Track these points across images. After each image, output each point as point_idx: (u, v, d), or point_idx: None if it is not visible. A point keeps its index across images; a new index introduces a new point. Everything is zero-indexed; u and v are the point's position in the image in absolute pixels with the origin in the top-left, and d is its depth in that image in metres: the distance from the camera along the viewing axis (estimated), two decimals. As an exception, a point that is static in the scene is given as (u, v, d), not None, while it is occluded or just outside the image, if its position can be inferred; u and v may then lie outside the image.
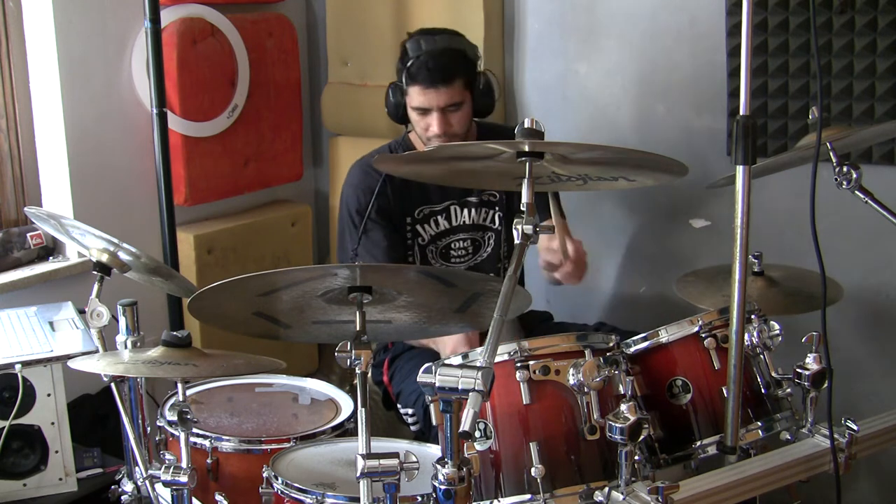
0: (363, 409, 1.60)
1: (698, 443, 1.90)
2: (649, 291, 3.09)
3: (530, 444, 1.73)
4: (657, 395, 1.94)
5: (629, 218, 3.12)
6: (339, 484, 1.83)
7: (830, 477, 1.86)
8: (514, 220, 1.64)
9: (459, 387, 1.41)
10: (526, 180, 1.65)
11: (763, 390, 1.95)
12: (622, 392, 1.72)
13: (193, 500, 1.80)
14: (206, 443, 2.05)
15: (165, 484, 1.73)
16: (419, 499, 1.72)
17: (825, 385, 1.88)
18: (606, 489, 1.67)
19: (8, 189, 2.89)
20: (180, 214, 3.02)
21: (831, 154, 2.04)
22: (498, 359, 1.73)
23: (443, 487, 1.46)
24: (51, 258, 2.91)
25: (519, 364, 1.76)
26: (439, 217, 2.66)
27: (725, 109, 2.80)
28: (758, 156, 1.77)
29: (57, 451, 2.28)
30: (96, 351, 2.01)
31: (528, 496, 1.72)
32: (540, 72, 3.17)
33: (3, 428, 2.20)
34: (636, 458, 1.65)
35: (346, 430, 2.15)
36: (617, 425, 1.61)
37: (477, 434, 1.76)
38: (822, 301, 1.83)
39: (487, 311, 1.69)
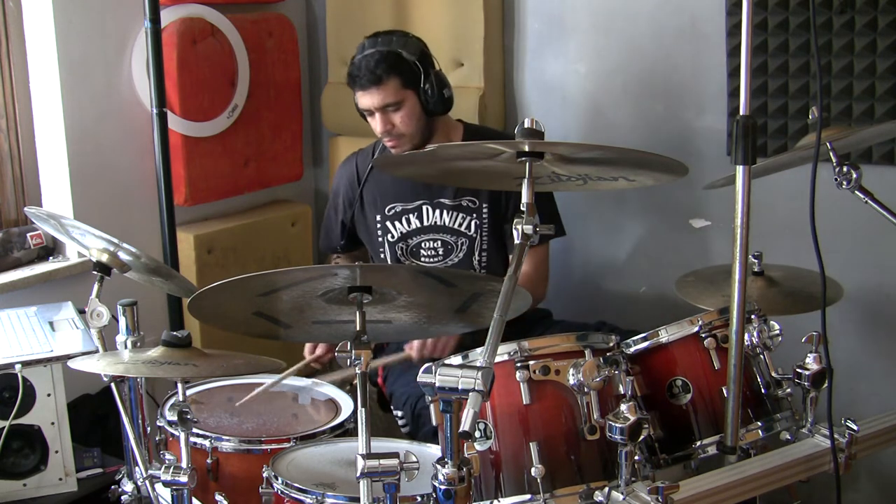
0: (363, 409, 1.60)
1: (698, 443, 1.90)
2: (649, 291, 3.09)
3: (530, 444, 1.73)
4: (657, 395, 1.94)
5: (629, 218, 3.12)
6: (339, 484, 1.83)
7: (830, 477, 1.86)
8: (514, 220, 1.64)
9: (459, 387, 1.41)
10: (526, 180, 1.65)
11: (763, 390, 1.95)
12: (622, 392, 1.72)
13: (193, 500, 1.80)
14: (206, 443, 2.05)
15: (165, 484, 1.73)
16: (419, 499, 1.72)
17: (825, 385, 1.87)
18: (606, 489, 1.67)
19: (8, 189, 2.90)
20: (180, 214, 3.02)
21: (831, 154, 2.04)
22: (498, 359, 1.73)
23: (443, 487, 1.46)
24: (51, 258, 2.91)
25: (519, 364, 1.76)
26: (411, 215, 2.67)
27: (725, 109, 2.80)
28: (758, 156, 1.77)
29: (57, 451, 2.28)
30: (96, 351, 2.01)
31: (528, 496, 1.72)
32: (540, 72, 3.17)
33: (3, 428, 2.20)
34: (636, 458, 1.65)
35: (346, 430, 2.15)
36: (617, 425, 1.61)
37: (477, 434, 1.76)
38: (822, 301, 1.82)
39: (487, 311, 1.69)
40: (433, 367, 1.45)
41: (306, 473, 1.90)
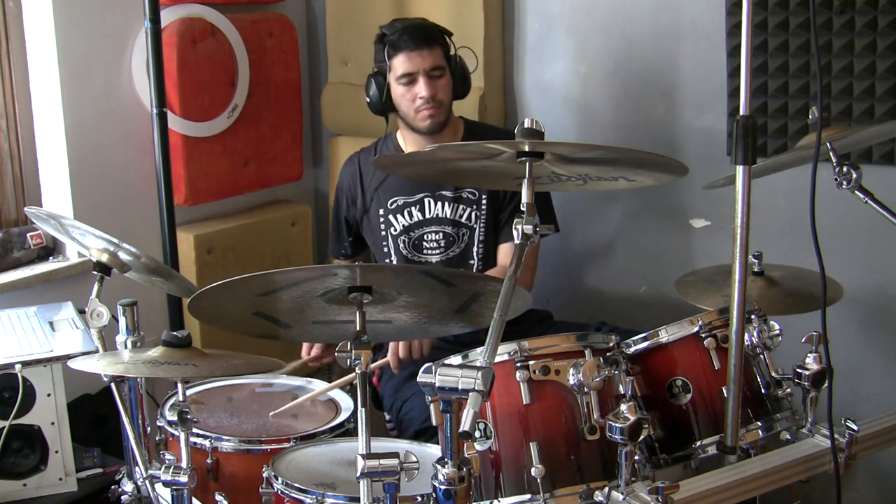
0: (363, 409, 1.60)
1: (698, 443, 1.91)
2: (649, 291, 3.09)
3: (530, 444, 1.73)
4: (657, 395, 1.94)
5: (629, 218, 3.12)
6: (339, 484, 1.83)
7: (830, 477, 1.86)
8: (514, 221, 1.64)
9: (459, 387, 1.41)
10: (526, 180, 1.65)
11: (763, 390, 1.95)
12: (622, 392, 1.72)
13: (193, 500, 1.80)
14: (206, 443, 2.05)
15: (165, 484, 1.73)
16: (419, 499, 1.72)
17: (825, 385, 1.87)
18: (606, 489, 1.67)
19: (8, 189, 2.89)
20: (180, 214, 3.02)
21: (831, 154, 2.04)
22: (498, 359, 1.73)
23: (443, 487, 1.46)
24: (51, 258, 2.91)
25: (519, 364, 1.76)
26: (413, 208, 2.68)
27: (725, 109, 2.80)
28: (758, 156, 1.77)
29: (57, 451, 2.28)
30: (96, 351, 2.01)
31: (528, 496, 1.72)
32: (540, 72, 3.17)
33: (3, 428, 2.20)
34: (636, 458, 1.65)
35: (346, 430, 2.15)
36: (617, 425, 1.61)
37: (477, 434, 1.76)
38: (822, 301, 1.82)
39: (487, 311, 1.69)
40: (433, 367, 1.45)
41: (306, 473, 1.90)
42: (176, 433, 1.90)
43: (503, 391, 1.75)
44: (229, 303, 1.83)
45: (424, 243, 2.71)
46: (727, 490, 1.73)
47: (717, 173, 2.32)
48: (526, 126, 1.64)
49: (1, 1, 2.79)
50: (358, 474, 1.53)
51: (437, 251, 2.71)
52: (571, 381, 1.75)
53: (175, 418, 1.75)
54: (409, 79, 2.56)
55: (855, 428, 1.86)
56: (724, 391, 1.84)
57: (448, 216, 2.69)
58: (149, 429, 2.15)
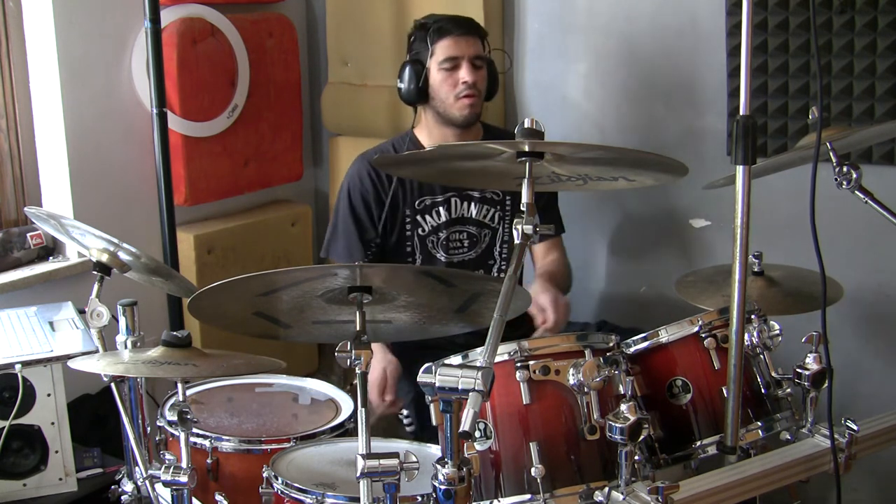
0: (363, 409, 1.60)
1: (698, 443, 1.90)
2: (649, 291, 3.09)
3: (530, 444, 1.73)
4: (657, 395, 1.94)
5: (629, 218, 3.12)
6: (339, 484, 1.83)
7: (830, 477, 1.86)
8: (514, 221, 1.64)
9: (459, 387, 1.41)
10: (526, 180, 1.65)
11: (763, 390, 1.95)
12: (622, 392, 1.72)
13: (193, 500, 1.80)
14: (206, 443, 2.05)
15: (165, 484, 1.73)
16: (419, 499, 1.72)
17: (825, 385, 1.87)
18: (606, 489, 1.67)
19: (8, 189, 2.89)
20: (180, 214, 3.02)
21: (831, 154, 2.04)
22: (498, 359, 1.73)
23: (443, 487, 1.46)
24: (51, 258, 2.91)
25: (519, 364, 1.76)
26: (441, 208, 2.67)
27: (725, 109, 2.80)
28: (758, 156, 1.77)
29: (57, 451, 2.28)
30: (96, 351, 2.01)
31: (528, 496, 1.72)
32: (540, 72, 3.17)
33: (3, 428, 2.20)
34: (636, 458, 1.65)
35: (346, 430, 2.15)
36: (617, 425, 1.61)
37: (477, 434, 1.76)
38: (822, 301, 1.82)
39: (487, 311, 1.69)
40: (433, 367, 1.45)
41: (306, 473, 1.90)
42: (176, 433, 1.90)
43: (503, 391, 1.75)
44: (229, 303, 1.83)
45: (450, 243, 2.71)
46: (727, 490, 1.73)
47: (717, 173, 2.32)
48: (526, 126, 1.64)
49: (1, 1, 2.79)
50: (358, 474, 1.53)
51: (461, 251, 2.72)
52: (571, 381, 1.75)
53: (175, 418, 1.75)
54: (453, 63, 2.56)
55: (855, 428, 1.86)
56: (724, 391, 1.84)
57: (473, 216, 2.70)
58: (149, 429, 2.14)
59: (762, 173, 2.25)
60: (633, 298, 3.12)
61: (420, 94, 2.62)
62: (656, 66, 2.95)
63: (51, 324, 2.42)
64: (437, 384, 1.42)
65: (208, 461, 2.04)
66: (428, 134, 2.70)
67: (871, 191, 2.04)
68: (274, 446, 2.04)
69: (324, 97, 3.51)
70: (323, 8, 3.48)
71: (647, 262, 3.09)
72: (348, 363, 1.64)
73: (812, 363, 1.87)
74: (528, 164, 1.65)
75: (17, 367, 2.20)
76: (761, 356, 1.96)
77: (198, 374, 1.90)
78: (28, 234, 2.85)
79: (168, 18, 2.94)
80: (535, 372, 1.75)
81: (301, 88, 3.49)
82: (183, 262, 3.03)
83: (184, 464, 1.74)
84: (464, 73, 2.56)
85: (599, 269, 3.19)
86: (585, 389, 1.74)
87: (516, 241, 1.63)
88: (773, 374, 1.95)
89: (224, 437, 2.07)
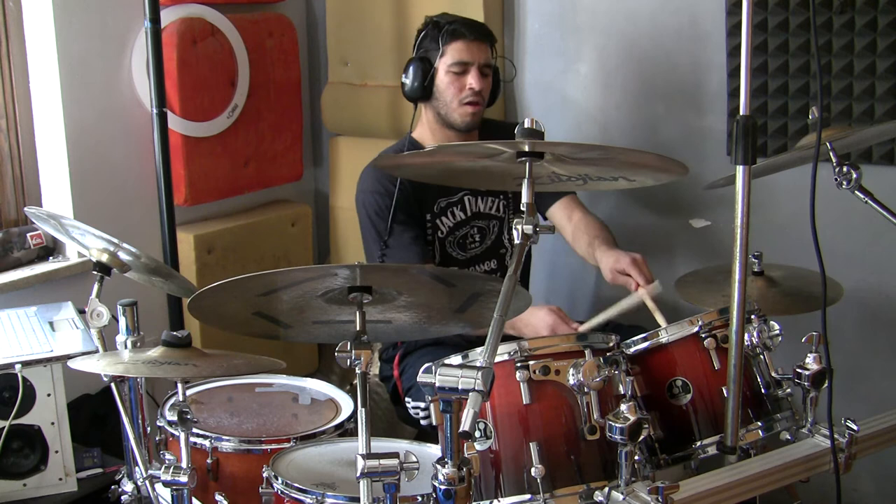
0: (363, 409, 1.60)
1: (698, 443, 1.90)
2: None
3: (530, 444, 1.73)
4: (657, 395, 1.94)
5: (629, 218, 3.12)
6: (339, 484, 1.83)
7: (830, 477, 1.86)
8: (514, 220, 1.64)
9: (459, 387, 1.41)
10: (526, 180, 1.65)
11: (763, 390, 1.95)
12: (622, 392, 1.72)
13: (193, 500, 1.80)
14: (206, 443, 2.05)
15: (165, 484, 1.73)
16: (419, 499, 1.72)
17: (825, 385, 1.87)
18: (606, 489, 1.67)
19: (8, 189, 2.90)
20: (180, 214, 3.02)
21: (831, 154, 2.04)
22: (498, 359, 1.73)
23: (443, 487, 1.46)
24: (51, 258, 2.91)
25: (519, 364, 1.76)
26: (455, 208, 2.68)
27: (725, 109, 2.80)
28: (758, 156, 1.77)
29: (57, 451, 2.28)
30: (96, 351, 2.01)
31: (528, 496, 1.72)
32: (540, 72, 3.17)
33: (3, 428, 2.20)
34: (636, 458, 1.65)
35: (346, 430, 2.15)
36: (617, 425, 1.61)
37: (477, 434, 1.76)
38: (823, 301, 1.82)
39: (487, 311, 1.69)
40: (433, 367, 1.45)
41: (306, 473, 1.90)
42: (176, 433, 1.90)
43: (503, 391, 1.75)
44: (229, 303, 1.83)
45: (467, 241, 2.72)
46: (727, 490, 1.73)
47: (717, 173, 2.32)
48: (526, 126, 1.64)
49: (1, 1, 2.79)
50: (358, 474, 1.53)
51: (475, 246, 2.73)
52: (571, 381, 1.75)
53: (175, 418, 1.75)
54: (462, 68, 2.56)
55: (855, 428, 1.86)
56: (724, 391, 1.84)
57: (483, 210, 2.72)
58: (149, 429, 2.15)
59: (762, 173, 2.25)
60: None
61: (424, 93, 2.61)
62: (656, 66, 2.95)
63: (51, 324, 2.42)
64: (437, 384, 1.42)
65: (208, 461, 2.04)
66: (429, 135, 2.69)
67: (871, 191, 2.04)
68: (274, 446, 2.04)
69: (324, 97, 3.51)
70: (323, 8, 3.48)
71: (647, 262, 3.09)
72: (348, 363, 1.64)
73: (812, 363, 1.87)
74: (528, 164, 1.65)
75: (17, 367, 2.20)
76: (761, 356, 1.96)
77: (198, 374, 1.90)
78: (28, 234, 2.85)
79: (168, 18, 2.94)
80: (535, 372, 1.75)
81: (301, 88, 3.49)
82: (183, 262, 3.03)
83: (184, 464, 1.74)
84: (472, 80, 2.56)
85: (599, 269, 3.18)
86: (585, 389, 1.74)
87: (516, 241, 1.63)
88: (773, 374, 1.95)
89: (224, 437, 2.07)
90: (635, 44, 2.97)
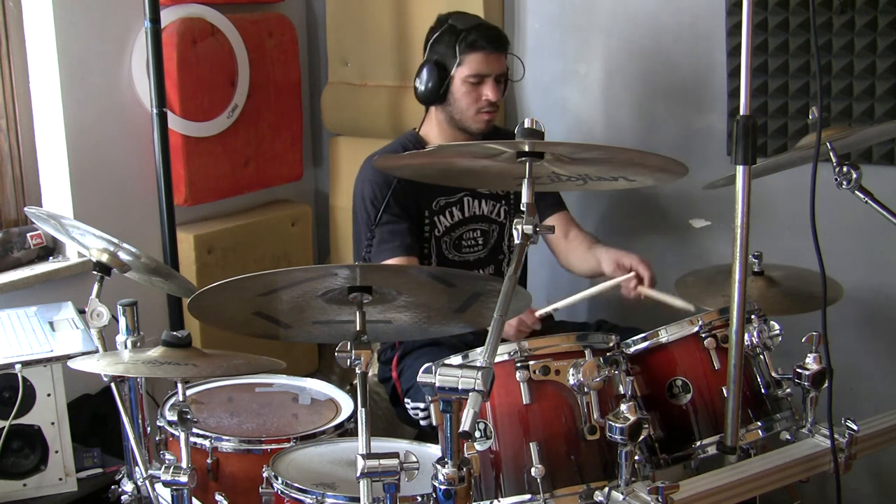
0: (363, 409, 1.60)
1: (698, 443, 1.91)
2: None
3: (530, 444, 1.73)
4: (657, 395, 1.94)
5: (629, 218, 3.12)
6: (339, 484, 1.83)
7: (830, 477, 1.86)
8: (514, 220, 1.64)
9: (459, 387, 1.41)
10: (526, 180, 1.65)
11: (763, 390, 1.95)
12: (622, 392, 1.72)
13: (193, 500, 1.80)
14: (206, 443, 2.05)
15: (165, 484, 1.73)
16: (419, 499, 1.72)
17: (825, 385, 1.87)
18: (606, 489, 1.67)
19: (8, 189, 2.90)
20: (180, 214, 3.02)
21: (831, 154, 2.04)
22: (498, 359, 1.73)
23: (443, 487, 1.46)
24: (51, 258, 2.91)
25: (519, 364, 1.76)
26: (454, 208, 2.68)
27: (725, 109, 2.80)
28: (758, 156, 1.77)
29: (57, 451, 2.28)
30: (96, 351, 2.01)
31: (528, 496, 1.72)
32: (540, 72, 3.17)
33: (3, 428, 2.20)
34: (636, 458, 1.65)
35: (346, 430, 2.15)
36: (617, 425, 1.61)
37: (477, 434, 1.76)
38: (823, 301, 1.82)
39: (487, 311, 1.69)
40: (433, 367, 1.45)
41: (306, 473, 1.90)
42: (176, 433, 1.90)
43: (503, 391, 1.76)
44: (229, 303, 1.83)
45: (463, 242, 2.71)
46: (727, 490, 1.73)
47: (717, 173, 2.32)
48: (526, 126, 1.64)
49: (1, 1, 2.79)
50: (358, 474, 1.53)
51: (475, 248, 2.73)
52: (571, 381, 1.75)
53: (175, 418, 1.75)
54: (479, 79, 2.55)
55: (855, 428, 1.86)
56: (724, 391, 1.84)
57: (484, 213, 2.72)
58: (149, 429, 2.15)
59: (762, 173, 2.25)
60: (633, 298, 3.11)
61: (438, 98, 2.60)
62: (656, 66, 2.95)
63: (51, 324, 2.42)
64: (437, 384, 1.42)
65: (208, 461, 2.04)
66: (436, 133, 2.68)
67: (871, 191, 2.04)
68: (274, 446, 2.04)
69: (324, 97, 3.51)
70: (323, 8, 3.48)
71: (647, 262, 3.09)
72: (348, 363, 1.64)
73: (812, 363, 1.88)
74: (528, 164, 1.65)
75: (17, 367, 2.20)
76: (761, 356, 1.96)
77: (198, 374, 1.90)
78: (28, 234, 2.85)
79: (168, 18, 2.94)
80: (535, 372, 1.75)
81: (301, 88, 3.49)
82: (183, 262, 3.03)
83: (184, 464, 1.74)
84: (488, 92, 2.56)
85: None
86: (585, 389, 1.74)
87: (517, 241, 1.63)
88: (773, 374, 1.95)
89: (224, 437, 2.07)
90: (635, 44, 2.97)
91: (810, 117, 2.19)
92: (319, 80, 3.62)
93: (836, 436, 1.84)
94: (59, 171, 2.87)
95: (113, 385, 2.00)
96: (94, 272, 2.02)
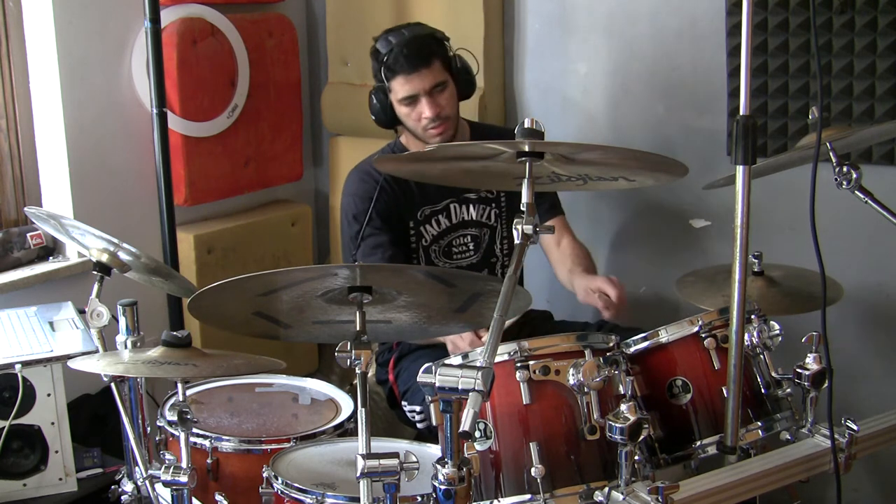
0: (363, 409, 1.60)
1: (698, 443, 1.91)
2: (649, 291, 3.09)
3: (530, 444, 1.73)
4: (657, 395, 1.94)
5: (629, 218, 3.12)
6: (339, 484, 1.83)
7: (830, 477, 1.86)
8: (514, 220, 1.64)
9: (459, 387, 1.41)
10: (526, 180, 1.65)
11: (763, 390, 1.95)
12: (622, 392, 1.72)
13: (193, 500, 1.80)
14: (206, 443, 2.05)
15: (165, 484, 1.73)
16: (419, 499, 1.72)
17: (825, 385, 1.87)
18: (606, 489, 1.67)
19: (8, 189, 2.90)
20: (180, 214, 3.02)
21: (831, 154, 2.04)
22: (498, 359, 1.73)
23: (443, 487, 1.46)
24: (51, 258, 2.91)
25: (519, 364, 1.76)
26: (440, 216, 2.66)
27: (725, 109, 2.79)
28: (758, 156, 1.77)
29: (57, 451, 2.28)
30: (96, 351, 2.01)
31: (528, 496, 1.72)
32: (540, 72, 3.17)
33: (3, 428, 2.20)
34: (636, 458, 1.65)
35: (346, 430, 2.15)
36: (617, 425, 1.61)
37: (477, 434, 1.76)
38: (823, 301, 1.82)
39: (487, 311, 1.69)
40: (433, 367, 1.45)
41: (306, 473, 1.90)
42: (176, 433, 1.90)
43: (503, 391, 1.75)
44: (229, 303, 1.83)
45: (454, 249, 2.70)
46: (727, 490, 1.73)
47: (717, 173, 2.32)
48: (526, 126, 1.64)
49: (1, 1, 2.79)
50: (358, 474, 1.53)
51: (466, 254, 2.71)
52: (571, 381, 1.75)
53: (175, 418, 1.75)
54: (411, 101, 2.50)
55: (855, 428, 1.86)
56: (724, 391, 1.84)
57: (473, 218, 2.69)
58: (149, 429, 2.15)
59: (762, 173, 2.25)
60: (633, 298, 3.11)
61: (393, 121, 2.59)
62: (656, 66, 2.95)
63: (51, 324, 2.42)
64: (437, 384, 1.42)
65: (208, 461, 2.04)
66: (413, 143, 2.67)
67: (871, 191, 2.04)
68: (274, 446, 2.04)
69: (324, 97, 3.51)
70: (323, 8, 3.48)
71: (647, 262, 3.09)
72: (348, 363, 1.64)
73: (812, 363, 1.87)
74: (528, 164, 1.65)
75: (17, 367, 2.20)
76: (761, 356, 1.96)
77: (198, 374, 1.90)
78: (28, 234, 2.85)
79: (168, 18, 2.94)
80: (535, 372, 1.75)
81: (301, 88, 3.49)
82: (183, 262, 3.03)
83: (184, 464, 1.74)
84: (424, 110, 2.49)
85: (599, 269, 3.18)
86: (585, 389, 1.74)
87: (516, 242, 1.63)
88: (773, 374, 1.95)
89: (224, 437, 2.07)
90: (635, 44, 2.97)
91: (810, 117, 2.20)
92: (319, 80, 3.62)
93: (836, 436, 1.84)
94: (58, 171, 2.87)
95: (113, 385, 2.00)
96: (94, 272, 2.02)
